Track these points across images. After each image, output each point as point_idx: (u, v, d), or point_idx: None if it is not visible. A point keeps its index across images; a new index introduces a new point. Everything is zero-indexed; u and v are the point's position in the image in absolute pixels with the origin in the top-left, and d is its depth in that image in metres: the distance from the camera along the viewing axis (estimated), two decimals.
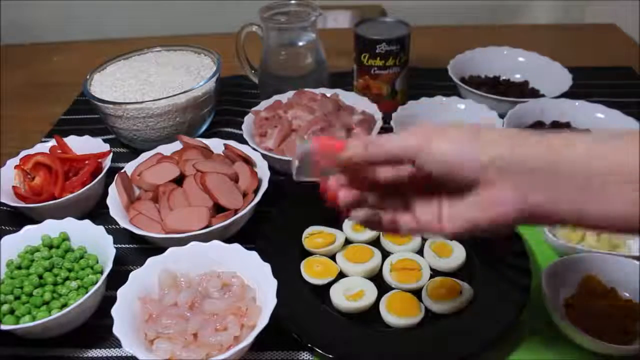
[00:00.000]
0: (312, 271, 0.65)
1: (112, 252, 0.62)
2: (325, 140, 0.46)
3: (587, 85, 0.99)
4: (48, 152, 0.81)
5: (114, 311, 0.55)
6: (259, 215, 0.74)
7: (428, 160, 0.43)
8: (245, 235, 0.71)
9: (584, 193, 0.39)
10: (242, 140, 0.82)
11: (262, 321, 0.54)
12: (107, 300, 0.59)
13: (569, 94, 0.90)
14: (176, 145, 0.81)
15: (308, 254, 0.69)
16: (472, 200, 0.43)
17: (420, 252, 0.68)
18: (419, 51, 0.99)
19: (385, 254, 0.68)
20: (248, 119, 0.88)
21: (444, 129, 0.43)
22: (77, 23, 1.77)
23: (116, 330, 0.54)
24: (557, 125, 0.87)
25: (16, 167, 0.78)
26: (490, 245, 0.65)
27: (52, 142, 0.83)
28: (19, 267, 0.64)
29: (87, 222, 0.68)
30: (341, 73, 1.03)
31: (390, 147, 0.44)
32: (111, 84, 0.90)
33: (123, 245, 0.73)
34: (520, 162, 0.41)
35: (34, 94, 1.15)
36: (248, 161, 0.77)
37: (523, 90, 0.98)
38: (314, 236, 0.69)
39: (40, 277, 0.62)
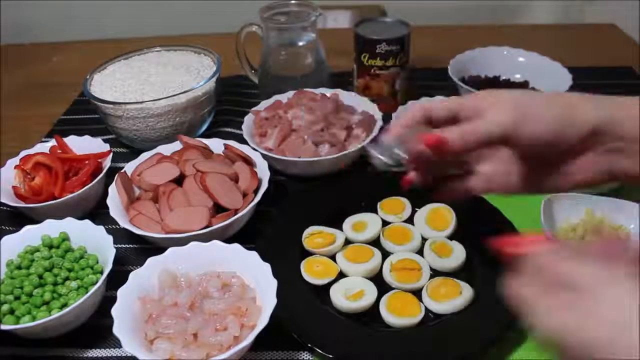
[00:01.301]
0: (312, 271, 0.65)
1: (112, 252, 0.62)
2: (431, 138, 0.49)
3: (587, 85, 0.98)
4: (48, 152, 0.81)
5: (114, 311, 0.55)
6: (259, 215, 0.74)
7: (523, 141, 0.46)
8: (245, 235, 0.71)
9: None
10: (242, 140, 0.82)
11: (262, 321, 0.54)
12: (107, 300, 0.60)
13: None
14: (176, 145, 0.81)
15: (308, 254, 0.69)
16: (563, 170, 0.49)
17: (420, 252, 0.68)
18: (419, 51, 0.99)
19: (385, 254, 0.68)
20: (248, 119, 0.88)
21: (530, 109, 0.46)
22: (77, 23, 1.76)
23: (116, 330, 0.54)
24: None
25: (16, 167, 0.78)
26: None
27: (52, 142, 0.83)
28: (19, 267, 0.64)
29: (87, 222, 0.68)
30: (341, 73, 1.03)
31: (482, 132, 0.47)
32: (111, 84, 0.90)
33: (123, 245, 0.73)
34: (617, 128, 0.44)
35: (34, 94, 1.15)
36: (248, 161, 0.77)
37: None
38: (314, 236, 0.69)
39: (40, 277, 0.62)
